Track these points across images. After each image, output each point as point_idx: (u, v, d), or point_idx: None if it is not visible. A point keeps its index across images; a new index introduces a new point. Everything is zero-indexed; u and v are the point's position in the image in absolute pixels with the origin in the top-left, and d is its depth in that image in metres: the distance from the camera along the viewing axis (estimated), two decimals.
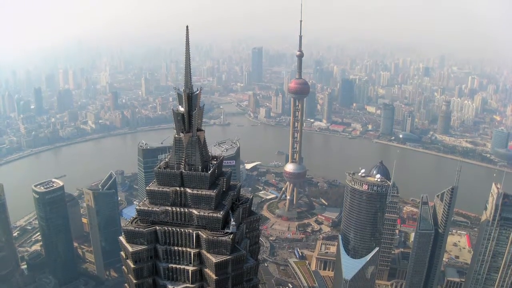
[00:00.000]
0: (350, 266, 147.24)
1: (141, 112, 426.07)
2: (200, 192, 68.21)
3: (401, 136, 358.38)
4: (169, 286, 68.91)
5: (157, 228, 68.41)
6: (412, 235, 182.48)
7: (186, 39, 67.93)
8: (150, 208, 69.24)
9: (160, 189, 69.48)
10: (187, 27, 66.80)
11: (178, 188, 69.13)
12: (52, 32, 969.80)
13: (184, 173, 69.32)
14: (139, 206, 70.74)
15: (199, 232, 67.36)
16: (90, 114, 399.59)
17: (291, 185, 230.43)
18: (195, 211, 67.94)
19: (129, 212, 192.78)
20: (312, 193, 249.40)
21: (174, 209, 68.77)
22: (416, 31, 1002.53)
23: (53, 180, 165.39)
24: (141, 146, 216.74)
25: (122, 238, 70.39)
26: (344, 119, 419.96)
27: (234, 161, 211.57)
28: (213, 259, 65.74)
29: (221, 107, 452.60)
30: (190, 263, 68.57)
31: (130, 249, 67.92)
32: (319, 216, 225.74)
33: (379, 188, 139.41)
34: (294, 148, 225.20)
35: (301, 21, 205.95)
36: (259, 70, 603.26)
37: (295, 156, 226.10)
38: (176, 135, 70.11)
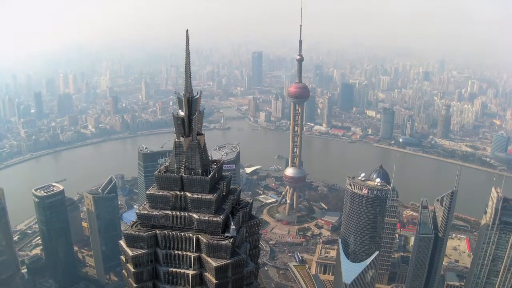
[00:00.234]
0: (350, 270, 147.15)
1: (141, 116, 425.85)
2: (200, 196, 68.18)
3: (401, 140, 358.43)
4: None
5: (157, 232, 68.42)
6: (412, 239, 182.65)
7: (186, 43, 68.05)
8: (150, 212, 69.30)
9: (160, 193, 69.49)
10: (187, 31, 66.87)
11: (178, 192, 69.14)
12: (53, 36, 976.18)
13: (184, 177, 69.34)
14: (139, 210, 70.69)
15: (199, 236, 67.42)
16: (90, 118, 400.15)
17: (291, 189, 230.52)
18: (195, 215, 67.94)
19: (129, 216, 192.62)
20: (312, 197, 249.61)
21: (174, 213, 68.78)
22: (416, 36, 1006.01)
23: (53, 184, 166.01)
24: (141, 150, 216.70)
25: (122, 242, 70.31)
26: (344, 123, 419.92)
27: (234, 165, 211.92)
28: (213, 263, 65.76)
29: (221, 111, 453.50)
30: (190, 267, 68.55)
31: (130, 253, 67.98)
32: (319, 220, 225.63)
33: (379, 192, 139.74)
34: (294, 152, 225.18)
35: (301, 25, 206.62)
36: (259, 74, 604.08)
37: (295, 160, 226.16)
38: (176, 139, 70.07)
